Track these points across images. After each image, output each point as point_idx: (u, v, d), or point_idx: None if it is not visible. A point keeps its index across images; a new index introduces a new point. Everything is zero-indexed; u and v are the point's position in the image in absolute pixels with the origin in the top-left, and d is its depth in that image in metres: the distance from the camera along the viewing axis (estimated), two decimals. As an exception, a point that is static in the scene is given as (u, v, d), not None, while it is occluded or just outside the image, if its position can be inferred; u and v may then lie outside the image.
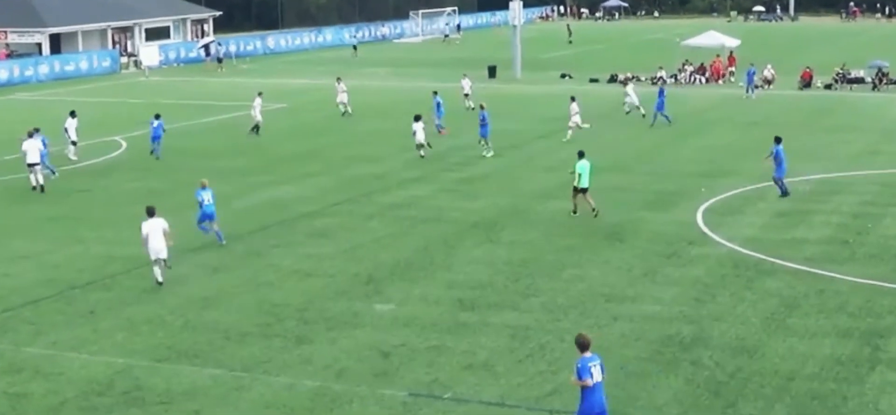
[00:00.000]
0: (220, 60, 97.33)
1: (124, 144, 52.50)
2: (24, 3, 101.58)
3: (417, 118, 46.74)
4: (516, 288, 27.63)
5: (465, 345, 23.37)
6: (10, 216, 36.89)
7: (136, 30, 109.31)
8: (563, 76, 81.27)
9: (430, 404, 20.11)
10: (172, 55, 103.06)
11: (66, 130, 48.89)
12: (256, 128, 54.76)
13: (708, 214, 35.42)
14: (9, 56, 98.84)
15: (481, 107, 48.63)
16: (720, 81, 76.56)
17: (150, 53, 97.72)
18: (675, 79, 77.08)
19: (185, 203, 38.38)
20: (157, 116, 49.59)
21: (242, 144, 52.33)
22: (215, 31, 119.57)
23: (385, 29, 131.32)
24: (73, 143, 48.82)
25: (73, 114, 49.73)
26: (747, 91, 66.85)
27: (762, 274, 28.50)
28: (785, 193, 37.47)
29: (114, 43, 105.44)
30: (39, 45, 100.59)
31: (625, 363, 21.97)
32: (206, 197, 32.19)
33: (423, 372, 21.79)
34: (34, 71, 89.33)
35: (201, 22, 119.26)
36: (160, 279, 28.65)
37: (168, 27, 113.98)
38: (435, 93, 54.56)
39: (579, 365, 17.26)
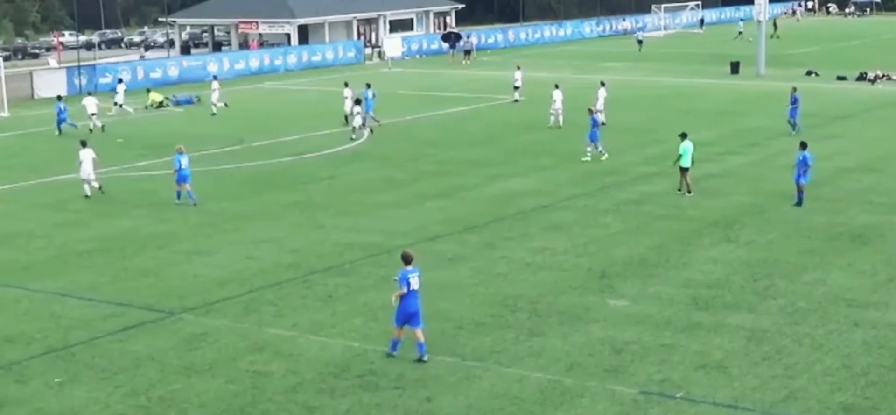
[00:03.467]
0: (467, 53, 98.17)
1: (366, 133, 53.65)
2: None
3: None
4: (754, 289, 26.97)
5: (698, 345, 22.97)
6: (255, 202, 38.19)
7: (381, 21, 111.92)
8: (808, 73, 78.91)
9: (662, 403, 19.83)
10: (415, 47, 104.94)
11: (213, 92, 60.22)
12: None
13: (961, 220, 33.80)
14: (260, 46, 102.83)
15: (590, 111, 45.89)
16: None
17: (393, 44, 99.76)
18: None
19: (425, 193, 39.09)
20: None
21: (479, 135, 52.76)
22: (457, 23, 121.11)
23: (626, 23, 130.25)
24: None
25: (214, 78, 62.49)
26: None
27: None
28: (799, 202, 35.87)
29: (358, 34, 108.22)
30: (288, 35, 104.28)
31: (867, 371, 21.20)
32: (184, 161, 37.22)
33: (655, 370, 21.51)
34: (283, 60, 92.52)
35: (443, 14, 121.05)
36: (88, 193, 38.17)
37: (411, 19, 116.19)
38: (368, 85, 57.15)
39: (399, 274, 21.90)
